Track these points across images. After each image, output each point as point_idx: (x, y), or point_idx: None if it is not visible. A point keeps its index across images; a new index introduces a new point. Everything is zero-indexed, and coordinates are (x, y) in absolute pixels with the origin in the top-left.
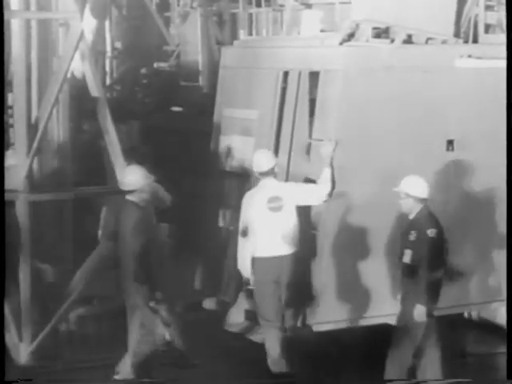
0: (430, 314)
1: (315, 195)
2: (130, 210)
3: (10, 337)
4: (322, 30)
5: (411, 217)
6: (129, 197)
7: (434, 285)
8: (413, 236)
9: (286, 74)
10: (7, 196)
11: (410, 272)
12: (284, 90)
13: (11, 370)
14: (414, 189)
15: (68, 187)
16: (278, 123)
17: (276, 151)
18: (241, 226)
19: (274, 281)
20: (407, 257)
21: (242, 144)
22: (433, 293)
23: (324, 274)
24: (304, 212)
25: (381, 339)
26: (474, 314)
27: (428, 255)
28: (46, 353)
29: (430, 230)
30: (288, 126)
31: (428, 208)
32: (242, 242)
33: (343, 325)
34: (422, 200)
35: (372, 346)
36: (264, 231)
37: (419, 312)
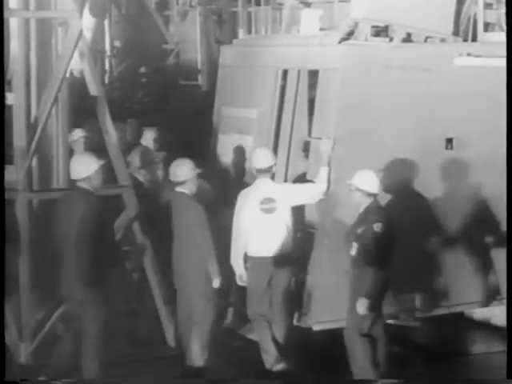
0: (373, 309)
1: (310, 194)
2: (190, 202)
3: (10, 337)
4: (321, 29)
5: (361, 210)
6: (179, 189)
7: (378, 279)
8: (360, 229)
9: (285, 72)
10: (7, 195)
11: (356, 265)
12: (283, 88)
13: (11, 370)
14: (363, 183)
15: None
16: (277, 121)
17: (275, 149)
18: (234, 224)
19: (267, 280)
20: (353, 249)
21: (241, 143)
22: (377, 287)
23: (322, 273)
24: (300, 211)
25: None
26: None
27: (373, 249)
28: (47, 352)
29: (376, 224)
30: (287, 124)
31: (377, 203)
32: (235, 239)
33: (342, 324)
34: (371, 195)
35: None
36: (256, 231)
37: (361, 304)
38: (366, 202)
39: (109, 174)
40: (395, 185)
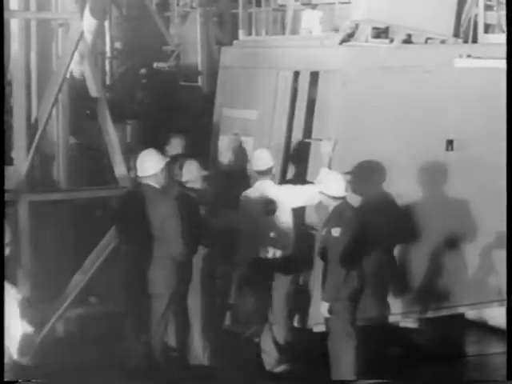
0: (340, 311)
1: (311, 196)
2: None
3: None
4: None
5: (328, 211)
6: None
7: (336, 283)
8: (324, 232)
9: (296, 74)
10: (7, 196)
11: (323, 267)
12: (295, 90)
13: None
14: (326, 187)
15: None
16: (288, 123)
17: (286, 151)
18: (239, 226)
19: (268, 281)
20: (319, 251)
21: (242, 144)
22: (334, 290)
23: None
24: (301, 212)
25: (381, 338)
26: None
27: (330, 253)
28: (46, 353)
29: (335, 229)
30: (299, 125)
31: (343, 205)
32: (240, 242)
33: None
34: (336, 198)
35: (372, 345)
36: (259, 233)
37: (322, 307)
38: (331, 204)
39: (109, 175)
40: (364, 187)
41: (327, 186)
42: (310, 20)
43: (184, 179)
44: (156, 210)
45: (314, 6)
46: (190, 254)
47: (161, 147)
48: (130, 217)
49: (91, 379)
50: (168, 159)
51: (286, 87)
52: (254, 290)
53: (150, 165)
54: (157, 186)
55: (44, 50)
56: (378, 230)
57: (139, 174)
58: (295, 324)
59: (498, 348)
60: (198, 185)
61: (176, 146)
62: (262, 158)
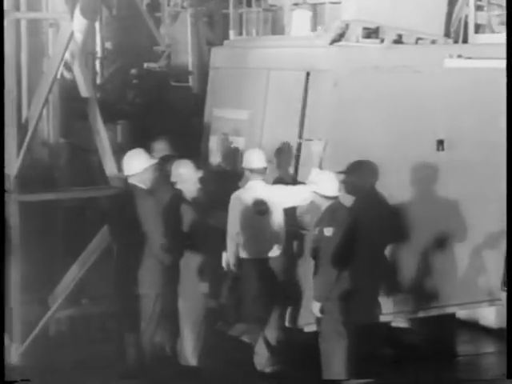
0: (332, 311)
1: (302, 196)
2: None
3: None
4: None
5: (321, 211)
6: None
7: (327, 282)
8: (316, 231)
9: (308, 74)
10: None
11: (315, 266)
12: (306, 91)
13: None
14: (319, 186)
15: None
16: (300, 125)
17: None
18: (229, 226)
19: (260, 282)
20: (311, 251)
21: (233, 144)
22: (325, 290)
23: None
24: (291, 212)
25: (373, 338)
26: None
27: (322, 253)
28: (37, 353)
29: (327, 228)
30: (302, 125)
31: (336, 205)
32: (229, 241)
33: None
34: (328, 197)
35: (364, 345)
36: (250, 233)
37: (314, 307)
38: (324, 203)
39: (100, 175)
40: (357, 187)
41: (320, 186)
42: (301, 20)
43: (173, 179)
44: (140, 210)
45: (306, 6)
46: (174, 254)
47: (150, 147)
48: (119, 216)
49: (83, 379)
50: (156, 160)
51: (297, 87)
52: (246, 290)
53: (133, 164)
54: (141, 185)
55: (34, 50)
56: (370, 230)
57: (124, 173)
58: (286, 324)
59: (489, 348)
60: (190, 185)
61: (160, 150)
62: (256, 157)
